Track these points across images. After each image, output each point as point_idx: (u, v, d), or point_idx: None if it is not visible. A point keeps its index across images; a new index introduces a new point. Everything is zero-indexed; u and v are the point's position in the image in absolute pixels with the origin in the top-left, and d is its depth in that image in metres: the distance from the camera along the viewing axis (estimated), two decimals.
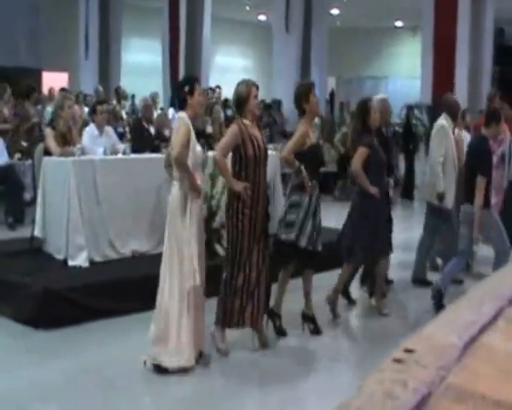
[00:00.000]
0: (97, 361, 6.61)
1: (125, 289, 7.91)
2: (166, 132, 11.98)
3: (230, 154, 6.75)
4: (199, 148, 6.46)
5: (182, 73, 21.94)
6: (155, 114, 13.85)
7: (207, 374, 6.34)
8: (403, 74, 28.72)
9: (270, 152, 7.48)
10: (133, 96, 20.84)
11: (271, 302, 7.22)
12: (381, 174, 7.86)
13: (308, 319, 7.49)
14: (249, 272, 6.60)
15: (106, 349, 6.93)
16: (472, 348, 1.82)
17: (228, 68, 28.33)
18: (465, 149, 9.15)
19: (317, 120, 13.92)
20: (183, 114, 6.37)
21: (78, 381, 6.18)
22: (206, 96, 18.21)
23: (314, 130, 7.65)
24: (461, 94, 15.64)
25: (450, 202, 9.20)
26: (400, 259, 10.19)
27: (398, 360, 1.63)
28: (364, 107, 7.88)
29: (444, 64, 16.88)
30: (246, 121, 6.65)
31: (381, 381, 1.53)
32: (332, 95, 27.47)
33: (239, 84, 6.84)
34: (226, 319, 6.68)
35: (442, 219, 9.31)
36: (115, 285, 7.97)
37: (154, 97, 18.40)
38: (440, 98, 10.34)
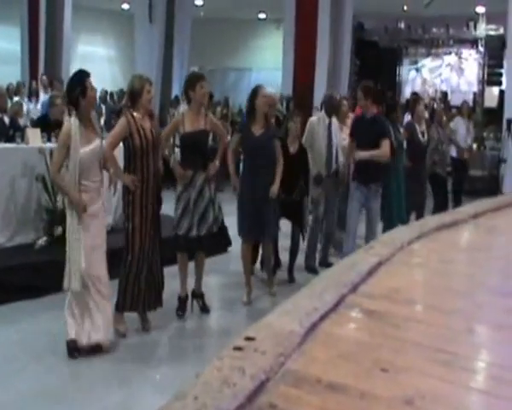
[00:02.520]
0: None
1: None
2: (21, 122, 11.65)
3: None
4: (88, 148, 6.14)
5: (42, 62, 21.39)
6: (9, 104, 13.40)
7: (94, 358, 6.16)
8: (267, 66, 28.92)
9: None
10: None
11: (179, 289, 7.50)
12: (252, 158, 7.92)
13: (198, 296, 7.74)
14: (139, 259, 6.70)
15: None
16: (312, 335, 1.86)
17: (90, 58, 27.79)
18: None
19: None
20: (71, 120, 6.22)
21: None
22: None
23: (202, 118, 7.39)
24: (321, 85, 15.99)
25: None
26: None
27: (237, 348, 1.65)
28: (253, 90, 8.08)
29: (305, 56, 17.16)
30: (136, 114, 6.71)
31: (220, 368, 1.55)
32: None
33: (133, 79, 6.96)
34: (121, 303, 6.80)
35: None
36: None
37: (16, 88, 17.91)
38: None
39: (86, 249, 6.13)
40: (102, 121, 16.45)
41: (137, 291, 6.79)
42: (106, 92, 20.34)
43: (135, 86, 6.77)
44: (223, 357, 1.61)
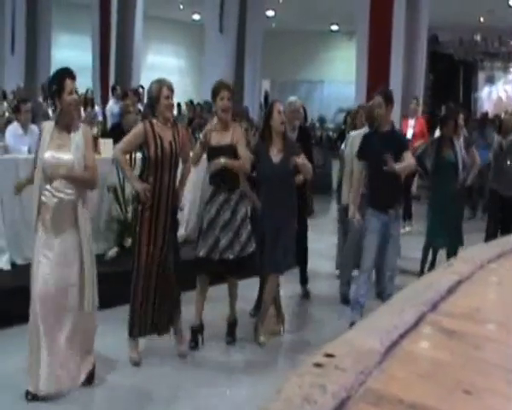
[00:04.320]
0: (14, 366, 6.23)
1: None
2: (94, 131, 11.81)
3: None
4: (53, 154, 5.58)
5: (112, 72, 21.72)
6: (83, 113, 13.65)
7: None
8: (338, 78, 28.87)
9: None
10: None
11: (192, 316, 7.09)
12: (270, 187, 7.14)
13: (229, 324, 7.30)
14: (149, 279, 6.34)
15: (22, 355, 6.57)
16: (392, 353, 1.83)
17: (160, 68, 28.14)
18: None
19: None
20: (47, 123, 5.85)
21: None
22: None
23: (230, 132, 6.91)
24: (395, 99, 15.84)
25: None
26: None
27: (317, 365, 1.63)
28: (269, 107, 7.41)
29: (378, 69, 17.02)
30: (155, 121, 6.37)
31: (300, 385, 1.53)
32: (266, 98, 27.55)
33: (152, 83, 6.59)
34: (132, 328, 6.46)
35: None
36: None
37: (86, 95, 18.16)
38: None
39: (41, 277, 5.66)
40: None
41: (145, 316, 6.41)
42: (178, 105, 20.43)
43: (152, 91, 6.44)
44: (303, 374, 1.59)
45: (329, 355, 1.69)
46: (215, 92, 6.93)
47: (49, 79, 5.95)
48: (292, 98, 8.68)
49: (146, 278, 6.31)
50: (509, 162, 10.72)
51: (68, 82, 5.64)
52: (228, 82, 7.35)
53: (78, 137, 5.70)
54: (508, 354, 2.00)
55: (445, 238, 9.50)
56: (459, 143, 9.85)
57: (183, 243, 8.03)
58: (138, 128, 6.43)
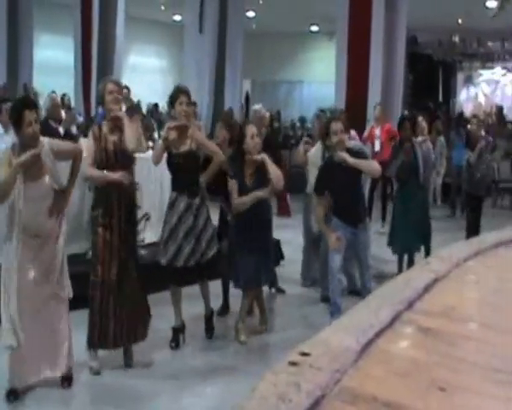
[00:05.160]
0: None
1: None
2: (74, 130, 11.74)
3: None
4: (32, 185, 5.45)
5: (94, 72, 21.59)
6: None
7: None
8: (318, 79, 28.82)
9: None
10: (35, 94, 20.32)
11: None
12: (248, 210, 7.02)
13: (206, 320, 7.25)
14: (104, 284, 6.06)
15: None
16: (368, 352, 1.84)
17: (142, 68, 28.02)
18: None
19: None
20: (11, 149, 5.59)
21: None
22: None
23: (189, 138, 6.67)
24: (374, 99, 15.89)
25: None
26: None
27: (293, 363, 1.63)
28: (241, 131, 7.15)
29: (358, 69, 17.05)
30: (105, 122, 6.16)
31: (275, 384, 1.53)
32: (247, 98, 27.49)
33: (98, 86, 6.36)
34: (92, 338, 6.15)
35: None
36: None
37: (63, 99, 18.10)
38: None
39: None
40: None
41: (105, 325, 6.12)
42: (155, 105, 20.53)
43: (99, 91, 6.26)
44: (278, 372, 1.59)
45: (305, 354, 1.69)
46: (174, 98, 6.76)
47: (9, 110, 5.68)
48: (256, 106, 8.65)
49: (104, 284, 6.07)
50: (478, 175, 10.95)
51: (26, 113, 5.33)
52: (186, 87, 7.09)
53: (44, 153, 5.48)
54: (482, 351, 2.01)
55: (404, 241, 9.29)
56: (425, 145, 9.93)
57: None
58: (89, 138, 6.24)
